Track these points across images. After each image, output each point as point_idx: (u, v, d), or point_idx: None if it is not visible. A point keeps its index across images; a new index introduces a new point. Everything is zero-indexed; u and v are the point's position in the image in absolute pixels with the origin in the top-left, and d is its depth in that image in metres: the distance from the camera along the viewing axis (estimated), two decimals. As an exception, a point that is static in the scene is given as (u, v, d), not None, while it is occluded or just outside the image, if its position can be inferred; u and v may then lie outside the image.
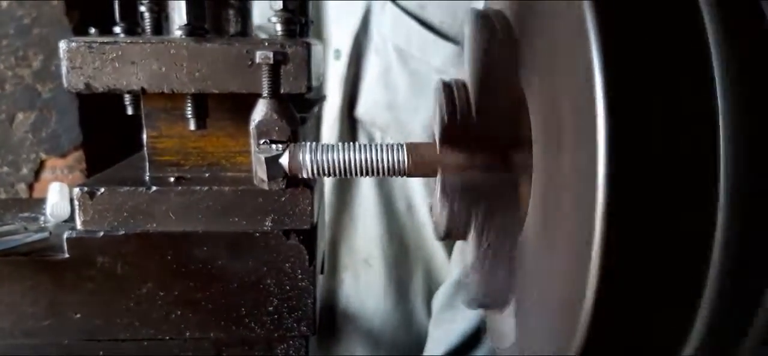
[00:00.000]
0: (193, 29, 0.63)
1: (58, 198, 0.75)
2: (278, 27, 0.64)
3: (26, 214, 0.77)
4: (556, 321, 0.48)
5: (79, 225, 0.65)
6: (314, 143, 0.59)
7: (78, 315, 0.66)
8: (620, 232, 0.40)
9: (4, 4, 2.04)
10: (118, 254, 0.65)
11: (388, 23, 1.25)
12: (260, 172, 0.59)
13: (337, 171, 0.59)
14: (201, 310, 0.67)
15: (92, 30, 0.68)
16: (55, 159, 2.18)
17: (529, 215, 0.54)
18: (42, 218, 0.75)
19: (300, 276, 0.67)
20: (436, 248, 1.40)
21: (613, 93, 0.39)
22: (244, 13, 0.70)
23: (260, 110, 0.60)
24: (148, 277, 0.66)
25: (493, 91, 0.58)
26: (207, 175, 0.68)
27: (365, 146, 0.59)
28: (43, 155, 2.16)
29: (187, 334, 0.67)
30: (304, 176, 0.59)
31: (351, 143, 0.59)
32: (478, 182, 0.58)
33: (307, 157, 0.59)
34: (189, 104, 0.64)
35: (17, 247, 0.66)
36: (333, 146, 0.59)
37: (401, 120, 1.27)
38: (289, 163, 0.59)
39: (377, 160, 0.59)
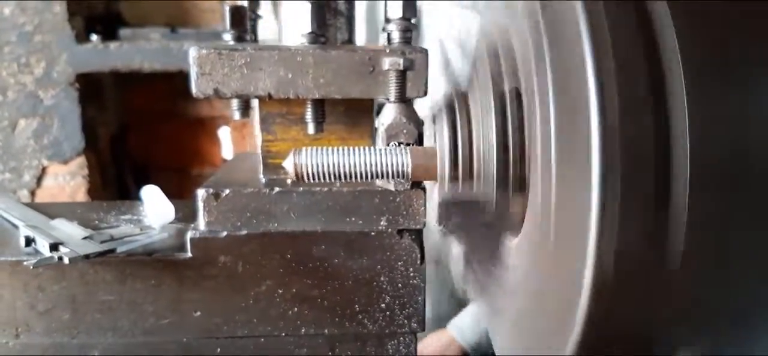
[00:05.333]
0: (316, 37, 0.65)
1: (161, 201, 0.76)
2: (396, 34, 0.66)
3: (127, 216, 0.78)
4: (551, 322, 0.50)
5: (202, 226, 0.67)
6: (315, 148, 0.60)
7: (198, 313, 0.69)
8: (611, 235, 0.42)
9: (7, 11, 2.02)
10: (240, 254, 0.67)
11: (443, 16, 1.26)
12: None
13: (340, 175, 0.60)
14: (317, 307, 0.69)
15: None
16: (57, 165, 2.16)
17: (526, 220, 0.56)
18: (145, 219, 0.77)
19: (412, 274, 0.70)
20: None
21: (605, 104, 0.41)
22: (351, 22, 0.73)
23: (389, 114, 0.63)
24: (268, 275, 0.68)
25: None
26: (321, 177, 0.70)
27: (367, 149, 0.60)
28: (45, 162, 2.15)
29: (303, 331, 0.70)
30: (307, 180, 0.60)
31: (353, 147, 0.60)
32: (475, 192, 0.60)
33: (310, 161, 0.59)
34: (309, 109, 0.66)
35: (139, 247, 0.68)
36: (335, 149, 0.60)
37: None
38: (293, 166, 0.59)
39: (379, 163, 0.60)
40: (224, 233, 0.67)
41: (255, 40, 0.77)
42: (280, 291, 0.69)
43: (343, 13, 0.72)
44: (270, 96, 0.65)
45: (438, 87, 1.30)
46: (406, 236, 0.69)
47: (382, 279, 0.70)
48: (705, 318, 0.50)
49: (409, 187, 0.66)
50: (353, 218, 0.68)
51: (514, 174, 0.55)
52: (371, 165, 0.60)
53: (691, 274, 0.45)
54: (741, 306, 0.49)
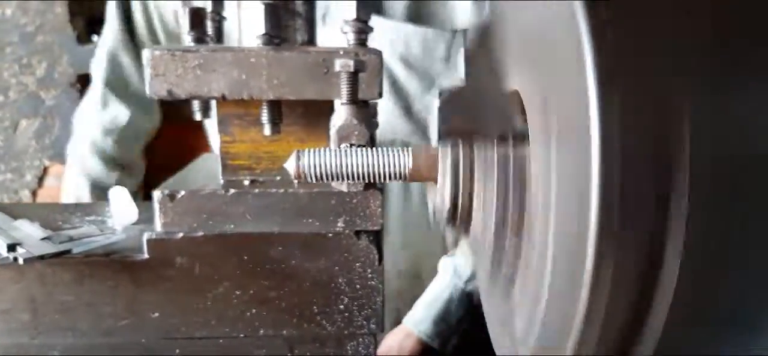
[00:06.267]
0: (270, 38, 0.65)
1: (125, 202, 0.77)
2: (351, 36, 0.66)
3: (92, 217, 0.79)
4: (556, 307, 0.49)
5: (158, 227, 0.67)
6: (317, 149, 0.60)
7: (156, 314, 0.69)
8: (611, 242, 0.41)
9: (8, 11, 2.04)
10: (196, 255, 0.68)
11: (382, 39, 1.26)
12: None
13: (341, 176, 0.60)
14: (275, 308, 0.70)
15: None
16: (59, 166, 2.18)
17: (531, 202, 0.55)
18: (108, 221, 0.77)
19: (370, 275, 0.70)
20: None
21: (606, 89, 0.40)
22: (311, 23, 0.73)
23: (341, 116, 0.63)
24: (225, 277, 0.68)
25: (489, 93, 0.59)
26: (278, 178, 0.71)
27: (368, 150, 0.61)
28: (46, 162, 2.16)
29: (261, 332, 0.70)
30: (309, 181, 0.60)
31: (354, 148, 0.61)
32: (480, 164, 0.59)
33: (311, 161, 0.60)
34: (265, 110, 0.66)
35: (97, 248, 0.68)
36: (336, 150, 0.60)
37: (420, 120, 1.30)
38: (295, 168, 0.60)
39: (380, 164, 0.60)
40: (180, 235, 0.67)
41: (219, 41, 0.77)
42: (238, 293, 0.69)
43: (301, 15, 0.72)
44: (224, 97, 0.65)
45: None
46: (363, 237, 0.69)
47: (340, 280, 0.69)
48: (705, 320, 0.50)
49: (362, 188, 0.66)
50: (310, 220, 0.68)
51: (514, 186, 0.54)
52: (372, 166, 0.60)
53: (691, 278, 0.44)
54: (742, 308, 0.49)
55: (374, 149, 0.61)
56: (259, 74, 0.64)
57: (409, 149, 0.61)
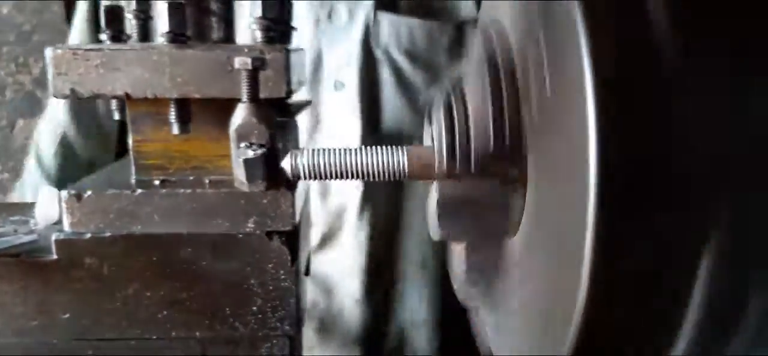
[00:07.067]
0: (175, 36, 0.64)
1: (47, 202, 0.76)
2: (258, 34, 0.65)
3: (17, 217, 0.78)
4: (543, 327, 0.49)
5: (66, 227, 0.67)
6: (313, 148, 0.60)
7: (67, 315, 0.68)
8: (610, 239, 0.41)
9: (5, 10, 2.06)
10: (105, 256, 0.67)
11: (387, 33, 1.26)
12: (240, 174, 0.60)
13: (337, 175, 0.60)
14: (186, 310, 0.69)
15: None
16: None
17: (523, 221, 0.55)
18: (32, 221, 0.77)
19: (283, 276, 0.68)
20: None
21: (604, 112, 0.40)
22: (227, 21, 0.72)
23: (240, 115, 0.62)
24: (134, 278, 0.68)
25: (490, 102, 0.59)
26: (191, 178, 0.70)
27: (365, 149, 0.60)
28: (43, 161, 2.18)
29: (173, 334, 0.69)
30: (304, 180, 0.61)
31: (350, 147, 0.60)
32: (473, 192, 0.59)
33: (306, 161, 0.60)
34: (172, 109, 0.65)
35: (7, 249, 0.67)
36: (332, 149, 0.60)
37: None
38: (291, 167, 0.60)
39: (377, 163, 0.60)
40: (88, 235, 0.67)
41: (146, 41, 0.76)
42: (148, 294, 0.68)
43: (215, 13, 0.71)
44: (128, 96, 0.64)
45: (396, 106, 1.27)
46: (275, 238, 0.68)
47: (252, 281, 0.68)
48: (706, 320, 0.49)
49: (264, 188, 0.64)
50: (219, 220, 0.67)
51: (512, 166, 0.55)
52: (368, 165, 0.60)
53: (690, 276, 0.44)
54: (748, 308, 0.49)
55: (370, 148, 0.60)
56: (162, 72, 0.64)
57: (406, 147, 0.60)
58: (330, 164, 0.60)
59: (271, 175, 0.63)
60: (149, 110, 0.69)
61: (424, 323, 1.35)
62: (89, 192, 0.66)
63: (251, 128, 0.62)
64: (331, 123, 1.28)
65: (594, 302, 0.42)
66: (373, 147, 0.60)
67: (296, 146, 0.84)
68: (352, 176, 0.60)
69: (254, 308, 0.69)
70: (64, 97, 0.64)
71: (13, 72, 2.09)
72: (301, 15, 1.25)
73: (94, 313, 0.68)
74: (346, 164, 0.60)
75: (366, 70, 1.26)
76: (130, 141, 0.70)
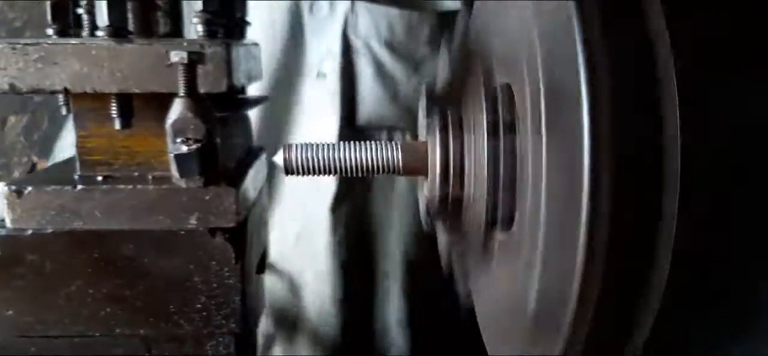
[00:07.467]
0: (115, 31, 0.64)
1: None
2: (199, 28, 0.65)
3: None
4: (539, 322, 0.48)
5: (8, 223, 0.66)
6: (306, 143, 0.60)
7: (10, 312, 0.68)
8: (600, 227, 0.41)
9: (-5, 6, 2.06)
10: (47, 252, 0.66)
11: (367, 24, 1.25)
12: (173, 170, 0.60)
13: (330, 170, 0.59)
14: (130, 307, 0.68)
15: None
16: (47, 162, 2.20)
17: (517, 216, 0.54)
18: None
19: (227, 274, 0.67)
20: None
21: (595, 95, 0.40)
22: (174, 15, 0.71)
23: (176, 109, 0.61)
24: (77, 275, 0.67)
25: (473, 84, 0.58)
26: (136, 174, 0.69)
27: (358, 144, 0.59)
28: (34, 158, 2.19)
29: (117, 331, 0.69)
30: (296, 175, 0.60)
31: (344, 142, 0.60)
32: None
33: (300, 155, 0.59)
34: (114, 104, 0.65)
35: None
36: (326, 145, 0.59)
37: (407, 107, 1.27)
38: (284, 161, 0.59)
39: (370, 158, 0.59)
40: (30, 232, 0.66)
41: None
42: (91, 291, 0.67)
43: (160, 7, 0.70)
44: (67, 91, 0.64)
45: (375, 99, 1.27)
46: (218, 235, 0.67)
47: (195, 278, 0.68)
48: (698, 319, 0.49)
49: (202, 183, 0.64)
50: (161, 217, 0.66)
51: (504, 182, 0.53)
52: (361, 160, 0.59)
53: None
54: (738, 303, 0.49)
55: (364, 143, 0.60)
56: (100, 67, 0.63)
57: (399, 142, 0.60)
58: (322, 159, 0.59)
59: (208, 170, 0.63)
60: (93, 106, 0.68)
61: (400, 323, 1.34)
62: (30, 188, 0.65)
63: (187, 123, 0.61)
64: (312, 112, 1.27)
65: (588, 289, 0.42)
66: (367, 142, 0.59)
67: (247, 141, 0.84)
68: (346, 172, 0.59)
69: (198, 305, 0.68)
70: (3, 92, 0.63)
71: (4, 69, 2.09)
72: (286, 8, 1.24)
73: (37, 310, 0.68)
74: (339, 159, 0.59)
75: (346, 61, 1.25)
76: (73, 137, 0.69)
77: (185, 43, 0.63)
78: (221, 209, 0.66)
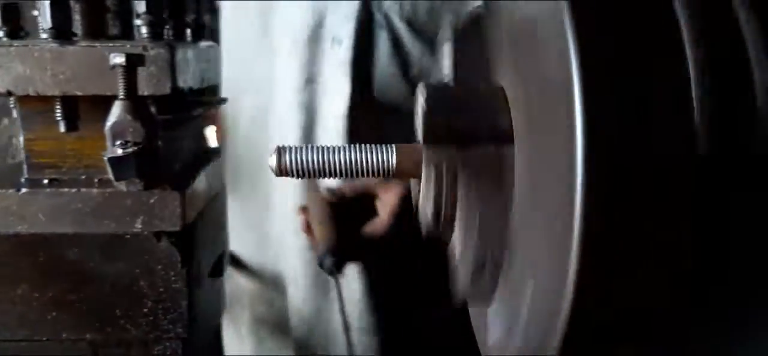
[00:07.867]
0: (58, 33, 0.63)
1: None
2: (143, 29, 0.64)
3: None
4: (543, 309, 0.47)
5: (-47, 226, 0.66)
6: (298, 145, 0.58)
7: (-45, 316, 0.67)
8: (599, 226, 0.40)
9: (-12, 10, 2.07)
10: (-8, 256, 0.66)
11: None
12: (110, 173, 0.59)
13: (322, 172, 0.58)
14: (76, 311, 0.67)
15: None
16: None
17: (515, 207, 0.53)
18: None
19: (173, 278, 0.67)
20: None
21: (590, 82, 0.39)
22: (124, 16, 0.71)
23: (115, 112, 0.61)
24: (21, 278, 0.67)
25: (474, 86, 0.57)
26: (83, 177, 0.68)
27: (351, 147, 0.58)
28: (28, 160, 2.19)
29: (64, 335, 0.68)
30: (291, 177, 0.58)
31: (336, 145, 0.58)
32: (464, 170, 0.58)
33: (293, 157, 0.57)
34: (58, 107, 0.64)
35: None
36: (317, 147, 0.58)
37: (416, 83, 1.25)
38: (277, 163, 0.58)
39: (363, 161, 0.58)
40: (-26, 235, 0.66)
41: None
42: (37, 295, 0.67)
43: (109, 9, 0.69)
44: (10, 93, 0.63)
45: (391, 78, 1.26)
46: (164, 239, 0.66)
47: (141, 283, 0.67)
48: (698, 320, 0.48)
49: (142, 187, 0.63)
50: (106, 221, 0.65)
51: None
52: (355, 162, 0.58)
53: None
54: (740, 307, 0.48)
55: (358, 145, 0.58)
56: (43, 69, 0.63)
57: (394, 146, 0.58)
58: (316, 162, 0.57)
59: (149, 173, 0.62)
60: (40, 108, 0.68)
61: (370, 327, 1.33)
62: (-27, 191, 0.65)
63: (126, 126, 0.60)
64: (324, 80, 1.26)
65: (581, 303, 0.41)
66: (361, 145, 0.58)
67: (197, 143, 0.83)
68: (339, 174, 0.58)
69: (145, 310, 0.68)
70: (-54, 94, 0.63)
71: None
72: None
73: (-18, 314, 0.67)
74: (332, 161, 0.57)
75: (363, 30, 1.24)
76: (21, 140, 0.69)
77: (127, 45, 0.62)
78: (166, 213, 0.65)
